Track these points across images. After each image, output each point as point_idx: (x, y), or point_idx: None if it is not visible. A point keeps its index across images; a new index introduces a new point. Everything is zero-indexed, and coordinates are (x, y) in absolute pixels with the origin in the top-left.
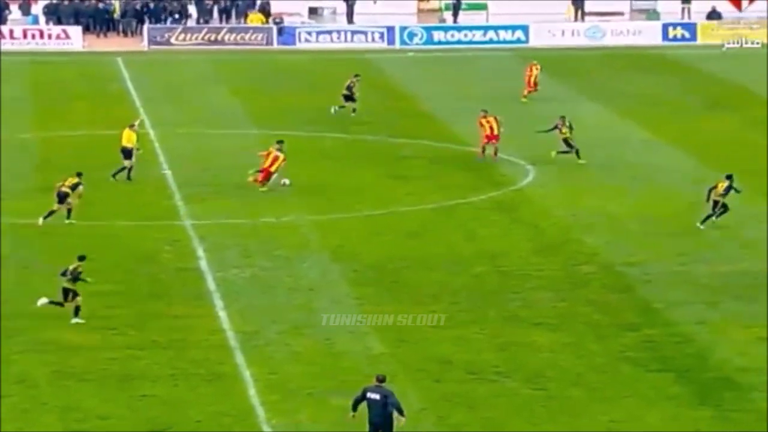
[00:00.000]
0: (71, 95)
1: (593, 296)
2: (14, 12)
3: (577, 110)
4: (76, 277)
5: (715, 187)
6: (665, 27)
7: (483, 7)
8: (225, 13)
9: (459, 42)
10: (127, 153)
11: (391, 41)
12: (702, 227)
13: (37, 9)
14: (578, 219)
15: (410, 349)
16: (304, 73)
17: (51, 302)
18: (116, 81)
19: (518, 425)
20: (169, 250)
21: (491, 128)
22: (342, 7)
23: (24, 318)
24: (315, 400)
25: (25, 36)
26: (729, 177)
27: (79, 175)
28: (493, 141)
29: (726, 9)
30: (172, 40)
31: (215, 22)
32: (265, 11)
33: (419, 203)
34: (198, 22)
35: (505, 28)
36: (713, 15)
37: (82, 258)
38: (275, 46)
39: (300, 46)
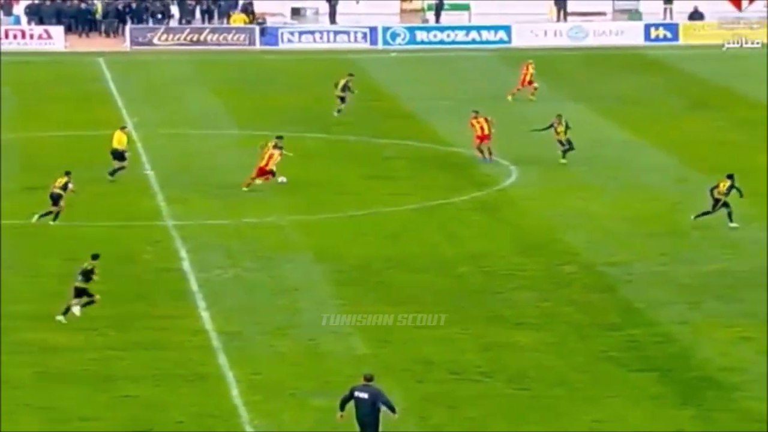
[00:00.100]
0: (53, 95)
1: (576, 296)
2: None
3: (559, 110)
4: (88, 277)
5: (717, 186)
6: (647, 27)
7: (465, 7)
8: (207, 13)
9: (442, 42)
10: (117, 155)
11: (373, 41)
12: (692, 219)
13: (18, 9)
14: (561, 219)
15: (393, 350)
16: (286, 74)
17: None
18: (98, 81)
19: (501, 425)
20: (152, 250)
21: (481, 128)
22: (325, 8)
23: (6, 319)
24: (298, 401)
25: (6, 36)
26: (730, 176)
27: (67, 173)
28: (486, 141)
29: (724, 9)
30: (155, 41)
31: (198, 22)
32: (248, 12)
33: (402, 204)
34: (180, 22)
35: (488, 28)
36: (695, 15)
37: (95, 257)
38: (258, 46)
39: (283, 46)
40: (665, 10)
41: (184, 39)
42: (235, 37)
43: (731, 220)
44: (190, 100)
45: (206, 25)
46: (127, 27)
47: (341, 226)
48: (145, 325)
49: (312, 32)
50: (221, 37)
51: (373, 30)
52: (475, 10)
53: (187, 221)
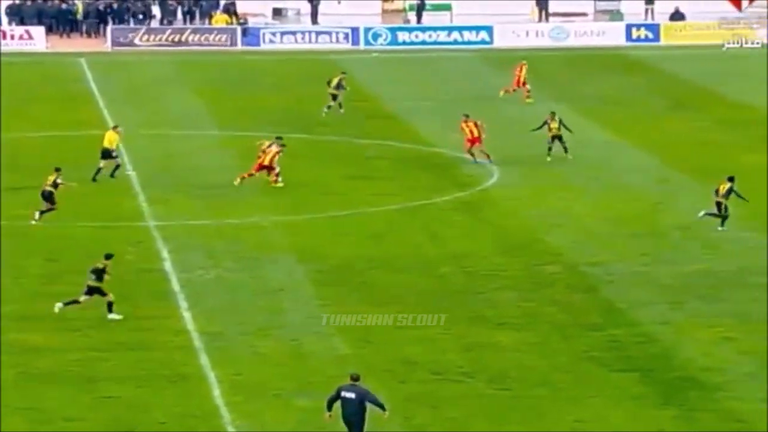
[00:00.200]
0: (34, 96)
1: (558, 296)
2: None
3: (541, 111)
4: (100, 276)
5: (718, 188)
6: (629, 28)
7: (447, 7)
8: (189, 14)
9: (423, 43)
10: (106, 154)
11: (355, 42)
12: (700, 215)
13: None
14: (543, 219)
15: (375, 350)
16: (268, 74)
17: (66, 303)
18: (80, 82)
19: (483, 425)
20: (133, 251)
21: (471, 132)
22: (306, 8)
23: None
24: (280, 401)
25: None
26: (731, 179)
27: (57, 170)
28: (477, 144)
29: (706, 10)
30: (136, 41)
31: (179, 22)
32: (230, 12)
33: (384, 204)
34: (162, 22)
35: (470, 29)
36: (676, 16)
37: (109, 256)
38: (239, 47)
39: (264, 47)
40: (647, 10)
41: (166, 39)
42: (217, 38)
43: (722, 225)
44: (172, 101)
45: (188, 25)
46: (108, 27)
47: (323, 227)
48: (127, 326)
49: (294, 33)
50: (203, 38)
51: (354, 30)
52: (456, 10)
53: (168, 222)
